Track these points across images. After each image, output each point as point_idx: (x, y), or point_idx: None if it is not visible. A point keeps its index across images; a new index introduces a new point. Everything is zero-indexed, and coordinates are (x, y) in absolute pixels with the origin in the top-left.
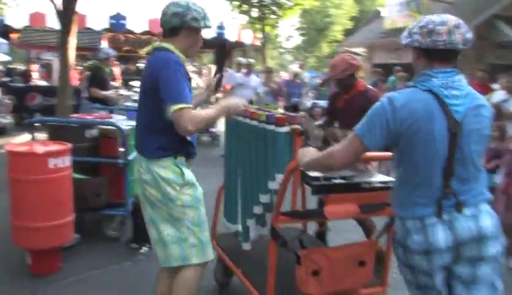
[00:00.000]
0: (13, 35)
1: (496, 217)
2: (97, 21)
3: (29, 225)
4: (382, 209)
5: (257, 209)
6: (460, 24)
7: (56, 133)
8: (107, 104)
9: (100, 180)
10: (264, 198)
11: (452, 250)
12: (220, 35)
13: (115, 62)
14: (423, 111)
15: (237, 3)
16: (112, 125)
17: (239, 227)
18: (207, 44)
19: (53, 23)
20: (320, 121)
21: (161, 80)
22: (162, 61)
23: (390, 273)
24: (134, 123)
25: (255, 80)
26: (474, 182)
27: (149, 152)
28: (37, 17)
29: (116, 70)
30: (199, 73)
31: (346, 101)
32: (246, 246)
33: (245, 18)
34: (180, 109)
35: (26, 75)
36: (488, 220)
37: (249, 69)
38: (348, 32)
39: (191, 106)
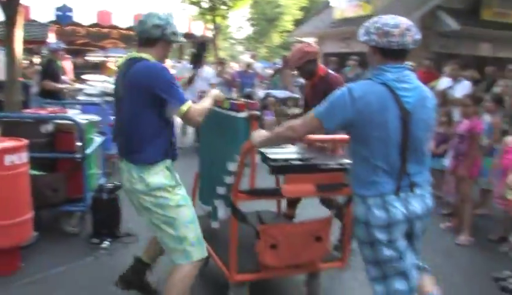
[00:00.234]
0: None
1: (432, 195)
2: (43, 13)
3: None
4: (338, 189)
5: (221, 190)
6: (411, 27)
7: (10, 129)
8: (59, 98)
9: (57, 176)
10: (228, 179)
11: (407, 221)
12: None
13: (66, 55)
14: (378, 103)
15: None
16: (69, 119)
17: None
18: None
19: None
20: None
21: (162, 88)
22: (154, 70)
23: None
24: (90, 117)
25: (208, 71)
26: (423, 165)
27: (141, 160)
28: None
29: (68, 64)
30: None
31: (310, 87)
32: (215, 225)
33: (196, 9)
34: (189, 107)
35: None
36: (430, 198)
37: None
38: (298, 22)
39: (191, 101)
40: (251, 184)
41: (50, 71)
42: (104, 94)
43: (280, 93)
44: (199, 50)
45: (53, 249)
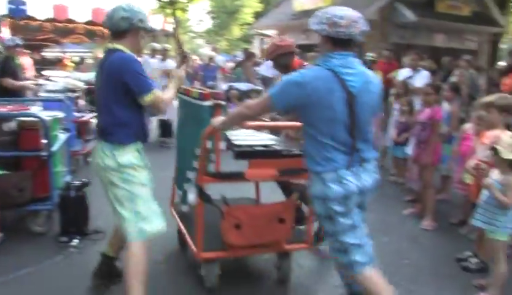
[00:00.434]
0: None
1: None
2: None
3: None
4: (299, 173)
5: (191, 175)
6: (359, 19)
7: None
8: (18, 96)
9: (22, 175)
10: (195, 164)
11: (360, 193)
12: None
13: (24, 51)
14: (324, 87)
15: None
16: (33, 116)
17: None
18: None
19: None
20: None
21: (129, 78)
22: (124, 61)
23: None
24: (54, 113)
25: (171, 65)
26: (369, 143)
27: (114, 140)
28: None
29: (27, 60)
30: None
31: None
32: (185, 208)
33: (155, 2)
34: (154, 96)
35: None
36: (377, 173)
37: (165, 54)
38: (258, 15)
39: (157, 90)
40: (216, 167)
41: (7, 69)
42: (67, 90)
43: (243, 86)
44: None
45: (20, 250)
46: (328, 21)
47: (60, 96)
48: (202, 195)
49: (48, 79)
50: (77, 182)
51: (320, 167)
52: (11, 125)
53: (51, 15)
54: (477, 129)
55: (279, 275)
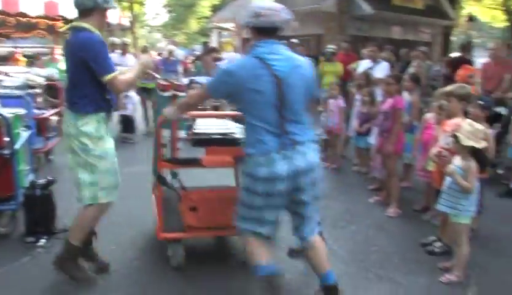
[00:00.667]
0: None
1: (317, 151)
2: None
3: None
4: None
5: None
6: (280, 9)
7: None
8: None
9: None
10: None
11: (291, 178)
12: None
13: None
14: (252, 74)
15: None
16: None
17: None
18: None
19: None
20: None
21: (91, 57)
22: (89, 41)
23: None
24: (15, 110)
25: (131, 59)
26: (303, 125)
27: (77, 110)
28: None
29: None
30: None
31: None
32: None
33: None
34: (113, 77)
35: None
36: (313, 155)
37: (125, 49)
38: (216, 8)
39: (118, 72)
40: (173, 153)
41: None
42: (27, 86)
43: (204, 80)
44: None
45: None
46: (253, 13)
47: (19, 92)
48: (160, 179)
49: (6, 75)
50: (43, 181)
51: (253, 149)
52: None
53: None
54: (438, 118)
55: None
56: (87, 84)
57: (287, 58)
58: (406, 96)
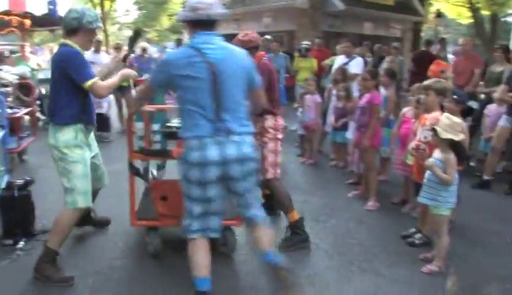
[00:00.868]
0: None
1: (253, 145)
2: None
3: None
4: None
5: None
6: (215, 3)
7: None
8: None
9: None
10: (139, 143)
11: (221, 165)
12: (52, 12)
13: None
14: (186, 62)
15: None
16: None
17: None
18: (38, 22)
19: None
20: None
21: (71, 67)
22: (68, 54)
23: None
24: None
25: (105, 57)
26: (240, 115)
27: (56, 122)
28: None
29: None
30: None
31: None
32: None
33: None
34: (93, 82)
35: None
36: (248, 147)
37: (98, 46)
38: None
39: (97, 78)
40: (145, 144)
41: None
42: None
43: None
44: (133, 37)
45: None
46: (190, 8)
47: None
48: (132, 169)
49: None
50: (20, 181)
51: (187, 133)
52: None
53: None
54: (416, 112)
55: (225, 250)
56: (67, 95)
57: (221, 47)
58: (382, 91)
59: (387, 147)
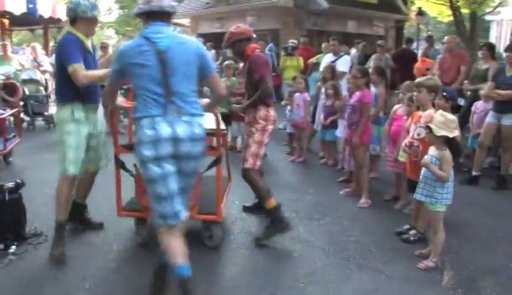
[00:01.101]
0: None
1: (203, 127)
2: None
3: None
4: (208, 149)
5: None
6: None
7: None
8: None
9: None
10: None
11: (172, 141)
12: (32, 11)
13: None
14: (138, 51)
15: None
16: None
17: None
18: (17, 21)
19: None
20: None
21: (61, 52)
22: (62, 40)
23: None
24: None
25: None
26: (190, 99)
27: (57, 101)
28: None
29: None
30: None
31: (243, 67)
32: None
33: None
34: (74, 68)
35: None
36: (198, 128)
37: None
38: None
39: (82, 65)
40: (129, 139)
41: None
42: None
43: None
44: None
45: None
46: (144, 1)
47: None
48: (117, 162)
49: None
50: (11, 184)
51: (139, 113)
52: None
53: None
54: (408, 110)
55: (212, 243)
56: (64, 77)
57: (171, 36)
58: (372, 89)
59: (377, 144)
